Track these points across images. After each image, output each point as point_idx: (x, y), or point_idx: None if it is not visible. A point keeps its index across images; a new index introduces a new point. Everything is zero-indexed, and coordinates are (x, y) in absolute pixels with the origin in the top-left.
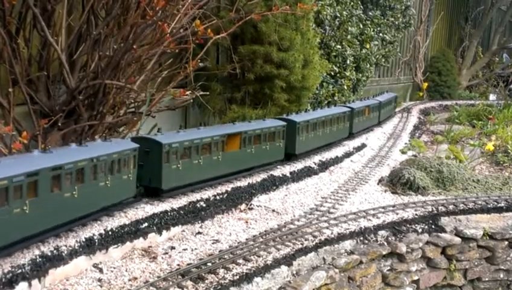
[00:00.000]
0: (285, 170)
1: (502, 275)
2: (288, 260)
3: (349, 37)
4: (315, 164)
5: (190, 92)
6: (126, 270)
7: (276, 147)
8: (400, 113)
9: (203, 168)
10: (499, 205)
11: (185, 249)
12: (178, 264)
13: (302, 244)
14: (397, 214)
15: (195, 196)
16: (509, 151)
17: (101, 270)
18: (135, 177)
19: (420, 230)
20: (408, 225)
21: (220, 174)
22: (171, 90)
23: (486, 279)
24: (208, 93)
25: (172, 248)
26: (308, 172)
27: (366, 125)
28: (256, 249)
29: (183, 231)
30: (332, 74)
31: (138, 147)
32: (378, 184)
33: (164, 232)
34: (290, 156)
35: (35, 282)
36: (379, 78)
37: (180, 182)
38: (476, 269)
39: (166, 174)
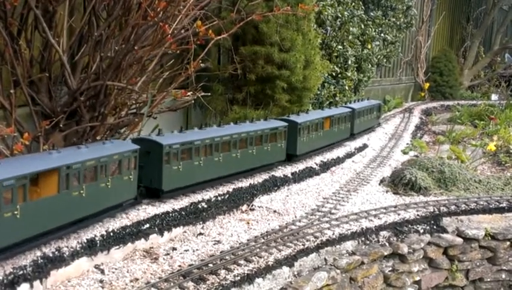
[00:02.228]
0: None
1: (503, 276)
2: (289, 261)
3: (350, 37)
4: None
5: (191, 93)
6: (127, 271)
7: (125, 183)
8: (402, 113)
9: None
10: (501, 205)
11: (186, 250)
12: (179, 265)
13: (303, 245)
14: (399, 214)
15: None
16: (511, 151)
17: (102, 272)
18: None
19: (422, 231)
20: (410, 226)
21: (22, 238)
22: (173, 91)
23: (488, 279)
24: (209, 94)
25: (174, 248)
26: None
27: (326, 141)
28: (258, 249)
29: (185, 231)
30: (334, 74)
31: None
32: (379, 185)
33: (166, 233)
34: (157, 193)
35: (36, 283)
36: (381, 79)
37: None
38: (478, 270)
39: None
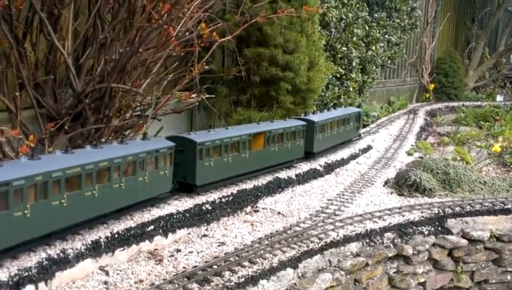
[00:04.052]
0: None
1: (509, 277)
2: (293, 263)
3: (355, 39)
4: None
5: (196, 95)
6: (132, 273)
7: None
8: (406, 114)
9: None
10: (506, 206)
11: (190, 252)
12: (184, 267)
13: (307, 246)
14: (403, 216)
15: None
16: None
17: (107, 273)
18: None
19: (426, 232)
20: (414, 227)
21: None
22: (177, 94)
23: (494, 281)
24: (213, 96)
25: (178, 250)
26: None
27: (257, 165)
28: (262, 251)
29: (189, 233)
30: (338, 76)
31: None
32: (384, 186)
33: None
34: None
35: (41, 285)
36: (385, 80)
37: None
38: (483, 271)
39: None
